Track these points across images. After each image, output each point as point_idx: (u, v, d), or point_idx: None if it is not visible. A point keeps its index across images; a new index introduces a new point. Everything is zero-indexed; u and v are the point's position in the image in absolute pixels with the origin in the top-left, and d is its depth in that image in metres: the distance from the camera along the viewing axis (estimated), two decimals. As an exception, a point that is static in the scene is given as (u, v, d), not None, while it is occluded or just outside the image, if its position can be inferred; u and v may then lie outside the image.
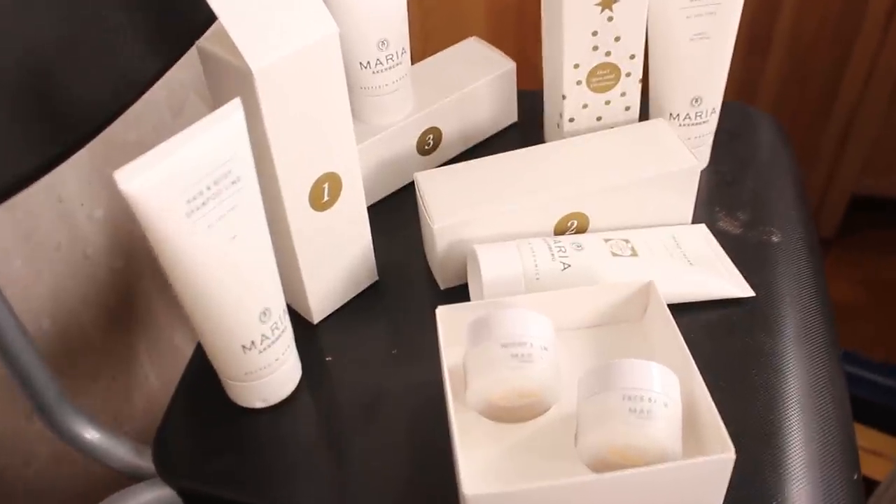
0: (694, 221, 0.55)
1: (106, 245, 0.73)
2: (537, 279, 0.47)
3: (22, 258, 0.64)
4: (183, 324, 0.83)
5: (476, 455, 0.41)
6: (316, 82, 0.42)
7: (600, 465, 0.37)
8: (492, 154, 0.54)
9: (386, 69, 0.54)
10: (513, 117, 0.65)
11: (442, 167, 0.53)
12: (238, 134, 0.39)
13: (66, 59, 0.42)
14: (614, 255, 0.49)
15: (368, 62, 0.53)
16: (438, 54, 0.63)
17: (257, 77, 0.40)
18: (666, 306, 0.44)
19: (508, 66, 0.61)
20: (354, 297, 0.53)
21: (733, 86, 1.20)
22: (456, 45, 0.64)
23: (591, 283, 0.48)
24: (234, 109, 0.39)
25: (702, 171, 0.60)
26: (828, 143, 1.22)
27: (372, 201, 0.59)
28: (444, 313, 0.44)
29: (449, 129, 0.60)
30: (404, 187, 0.60)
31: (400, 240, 0.56)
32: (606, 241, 0.50)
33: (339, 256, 0.50)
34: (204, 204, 0.39)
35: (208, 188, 0.39)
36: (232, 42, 0.39)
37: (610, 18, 0.52)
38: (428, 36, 1.22)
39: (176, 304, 0.39)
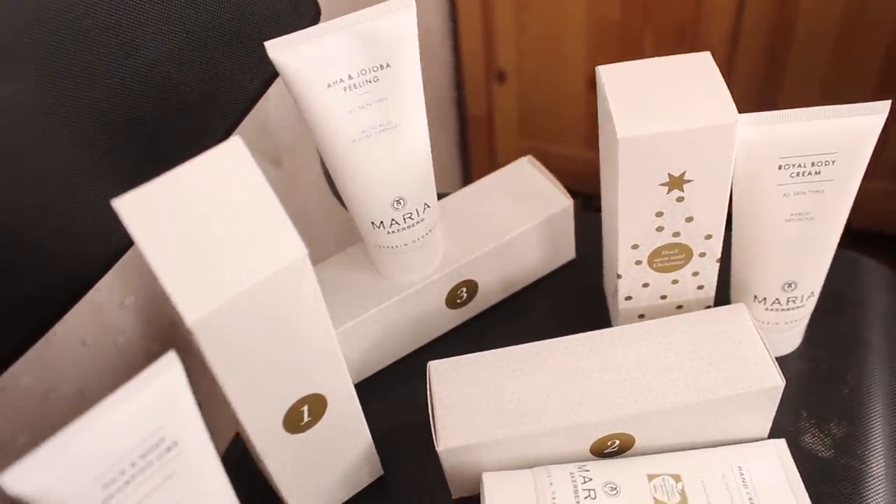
0: (773, 431, 0.44)
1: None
2: (555, 536, 0.39)
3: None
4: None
5: None
6: (281, 313, 0.34)
7: None
8: (538, 306, 0.44)
9: (403, 229, 0.45)
10: (570, 255, 0.54)
11: (460, 358, 0.44)
12: (172, 396, 0.32)
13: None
14: (657, 502, 0.40)
15: (381, 222, 0.45)
16: (482, 181, 0.53)
17: (196, 329, 0.32)
18: None
19: (564, 203, 0.51)
20: (356, 495, 0.46)
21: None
22: (505, 168, 0.54)
23: (623, 544, 0.39)
24: (166, 367, 0.32)
25: (790, 356, 0.48)
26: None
27: (389, 362, 0.51)
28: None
29: (487, 280, 0.51)
30: (427, 344, 0.51)
31: (415, 410, 0.48)
32: (651, 478, 0.41)
33: (329, 465, 0.43)
34: (128, 483, 0.32)
35: (132, 464, 0.32)
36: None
37: (680, 199, 0.41)
38: (523, 52, 1.11)
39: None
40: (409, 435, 0.47)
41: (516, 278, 0.52)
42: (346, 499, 0.45)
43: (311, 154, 0.65)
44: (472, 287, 0.50)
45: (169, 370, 0.32)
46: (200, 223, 0.32)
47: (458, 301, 0.50)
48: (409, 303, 0.48)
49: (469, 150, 1.27)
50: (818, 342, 0.49)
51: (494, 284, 0.51)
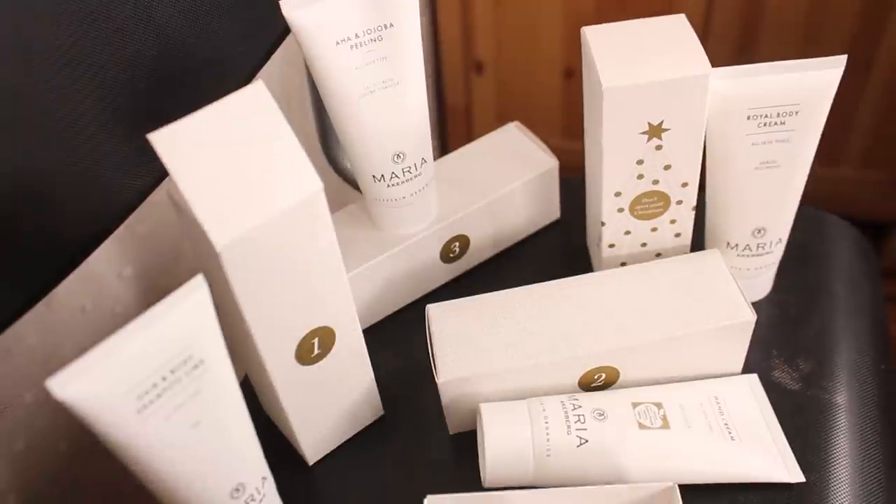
0: (746, 367, 0.48)
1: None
2: (548, 456, 0.42)
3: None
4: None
5: None
6: (298, 243, 0.37)
7: None
8: (525, 262, 0.47)
9: (402, 182, 0.48)
10: (554, 215, 0.58)
11: (458, 300, 0.47)
12: (199, 316, 0.35)
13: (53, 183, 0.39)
14: (641, 426, 0.43)
15: (382, 175, 0.48)
16: (472, 144, 0.57)
17: (223, 253, 0.35)
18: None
19: (550, 163, 0.55)
20: (358, 433, 0.48)
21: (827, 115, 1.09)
22: (493, 133, 0.57)
23: (610, 462, 0.42)
24: (194, 289, 0.34)
25: (761, 301, 0.52)
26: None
27: (388, 313, 0.54)
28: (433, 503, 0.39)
29: (478, 236, 0.54)
30: (425, 296, 0.55)
31: (414, 358, 0.51)
32: (635, 405, 0.44)
33: (336, 400, 0.45)
34: (159, 396, 0.34)
35: (164, 378, 0.34)
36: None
37: (658, 147, 0.44)
38: (501, 44, 1.15)
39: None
40: (408, 381, 0.50)
41: (505, 235, 0.55)
42: (349, 436, 0.48)
43: (305, 118, 0.68)
44: (464, 242, 0.53)
45: (197, 291, 0.35)
46: (227, 157, 0.35)
47: (452, 255, 0.53)
48: (405, 255, 0.51)
49: (448, 140, 1.30)
50: (786, 289, 0.53)
51: (485, 240, 0.54)
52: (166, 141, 0.34)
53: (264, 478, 0.41)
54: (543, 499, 0.39)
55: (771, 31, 1.01)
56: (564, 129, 1.21)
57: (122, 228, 0.68)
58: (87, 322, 0.66)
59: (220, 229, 0.35)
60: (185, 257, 0.75)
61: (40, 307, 0.62)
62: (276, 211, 0.36)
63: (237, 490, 0.39)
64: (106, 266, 0.68)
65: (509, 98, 1.22)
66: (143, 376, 0.34)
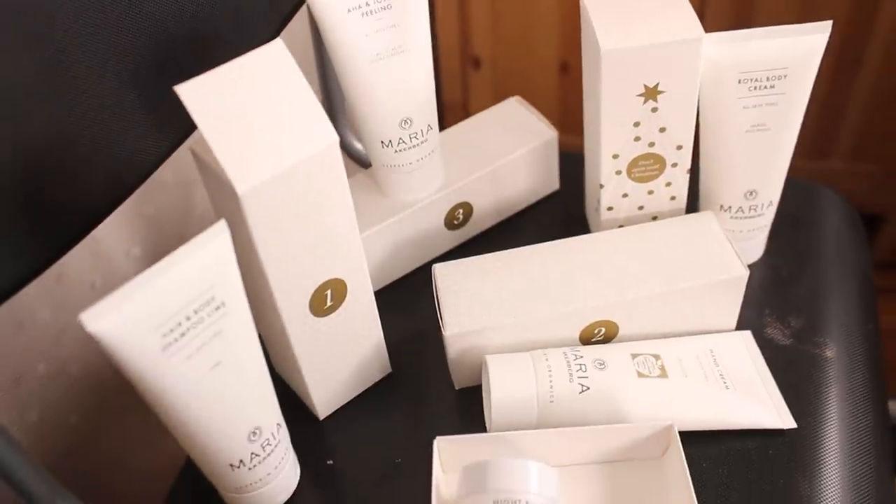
0: (740, 325, 0.50)
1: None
2: (551, 402, 0.44)
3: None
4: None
5: None
6: (313, 195, 0.39)
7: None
8: (527, 229, 0.49)
9: (409, 147, 0.50)
10: (554, 185, 0.60)
11: (463, 259, 0.49)
12: (222, 259, 0.37)
13: (70, 151, 0.41)
14: (640, 375, 0.45)
15: (390, 141, 0.50)
16: (475, 117, 0.59)
17: (244, 199, 0.37)
18: (683, 456, 0.39)
19: (549, 135, 0.57)
20: (366, 391, 0.50)
21: (817, 105, 1.11)
22: (495, 107, 0.59)
23: (611, 409, 0.44)
24: (217, 234, 0.36)
25: (754, 264, 0.54)
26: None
27: (394, 278, 0.56)
28: (442, 445, 0.41)
29: (481, 203, 0.56)
30: (430, 262, 0.56)
31: (420, 321, 0.53)
32: (634, 356, 0.46)
33: (346, 355, 0.47)
34: (183, 335, 0.36)
35: (188, 318, 0.36)
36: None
37: (654, 109, 0.46)
38: (498, 40, 1.18)
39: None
40: (414, 342, 0.52)
41: (507, 203, 0.57)
42: (358, 392, 0.50)
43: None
44: (467, 209, 0.55)
45: (220, 236, 0.37)
46: (249, 109, 0.37)
47: (456, 222, 0.55)
48: (411, 221, 0.53)
49: (446, 136, 1.32)
50: (778, 253, 0.55)
51: (487, 208, 0.56)
52: (192, 93, 0.36)
53: (279, 424, 0.43)
54: (548, 436, 0.41)
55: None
56: (560, 123, 1.22)
57: (130, 210, 0.71)
58: (96, 298, 0.68)
59: (242, 176, 0.37)
60: (189, 238, 0.76)
61: (52, 283, 0.64)
62: (295, 160, 0.38)
63: (254, 433, 0.41)
64: (115, 245, 0.70)
65: (506, 93, 1.22)
66: (169, 314, 0.35)
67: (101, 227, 0.69)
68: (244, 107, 0.37)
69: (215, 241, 0.36)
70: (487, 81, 1.24)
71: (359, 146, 0.67)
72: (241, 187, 0.36)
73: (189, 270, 0.36)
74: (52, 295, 0.64)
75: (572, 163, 0.60)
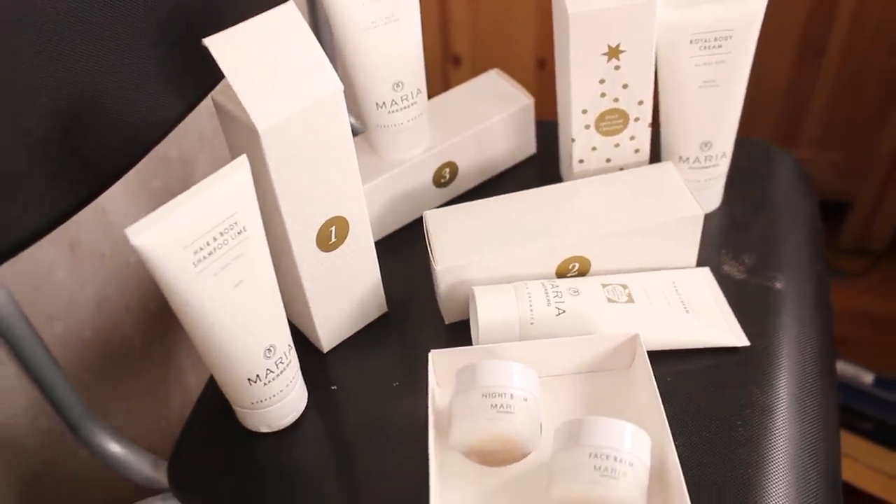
0: (699, 264, 0.56)
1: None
2: (531, 324, 0.49)
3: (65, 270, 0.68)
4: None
5: (452, 497, 0.43)
6: (321, 136, 0.45)
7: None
8: (507, 187, 0.55)
9: (401, 108, 0.56)
10: (531, 150, 0.66)
11: (451, 206, 0.55)
12: (243, 189, 0.42)
13: (91, 108, 0.46)
14: (610, 301, 0.51)
15: (384, 102, 0.56)
16: (458, 87, 0.65)
17: (263, 136, 0.42)
18: (648, 362, 0.45)
19: (526, 101, 0.63)
20: (364, 328, 0.56)
21: (782, 95, 1.18)
22: (476, 79, 0.65)
23: (585, 328, 0.50)
24: (239, 166, 0.42)
25: (713, 213, 0.60)
26: (884, 150, 1.19)
27: (388, 232, 0.61)
28: (436, 357, 0.47)
29: (465, 163, 0.62)
30: (420, 218, 0.62)
31: (412, 270, 0.58)
32: (604, 286, 0.52)
33: (348, 291, 0.53)
34: (210, 254, 0.42)
35: (214, 239, 0.42)
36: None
37: (617, 67, 0.53)
38: (477, 37, 1.24)
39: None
40: (407, 286, 0.58)
41: (489, 164, 0.63)
42: (358, 328, 0.55)
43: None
44: (453, 168, 0.61)
45: (241, 168, 0.42)
46: (266, 60, 0.43)
47: (443, 181, 0.61)
48: (402, 178, 0.59)
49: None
50: (733, 203, 0.61)
51: (471, 167, 0.62)
52: (218, 44, 0.42)
53: (290, 346, 0.49)
54: (529, 347, 0.47)
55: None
56: (537, 116, 1.30)
57: (137, 183, 0.76)
58: (106, 266, 0.73)
59: (262, 116, 0.42)
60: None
61: (67, 251, 0.69)
62: (307, 103, 0.43)
63: (269, 350, 0.46)
64: (124, 218, 0.75)
65: (485, 89, 1.30)
66: (200, 233, 0.41)
67: (110, 200, 0.74)
68: (262, 58, 0.43)
69: (238, 172, 0.42)
70: (467, 78, 1.30)
71: (351, 119, 0.72)
72: (261, 125, 0.42)
73: (216, 196, 0.41)
74: (67, 261, 0.69)
75: (547, 133, 0.66)
